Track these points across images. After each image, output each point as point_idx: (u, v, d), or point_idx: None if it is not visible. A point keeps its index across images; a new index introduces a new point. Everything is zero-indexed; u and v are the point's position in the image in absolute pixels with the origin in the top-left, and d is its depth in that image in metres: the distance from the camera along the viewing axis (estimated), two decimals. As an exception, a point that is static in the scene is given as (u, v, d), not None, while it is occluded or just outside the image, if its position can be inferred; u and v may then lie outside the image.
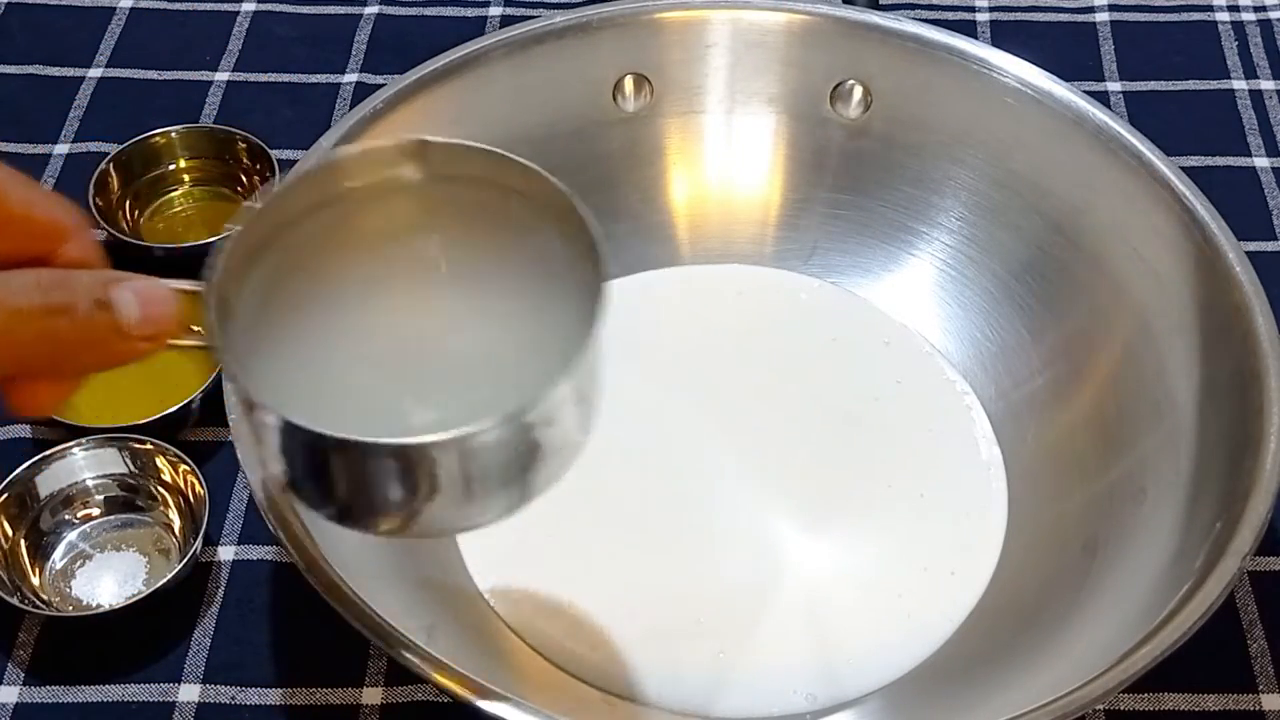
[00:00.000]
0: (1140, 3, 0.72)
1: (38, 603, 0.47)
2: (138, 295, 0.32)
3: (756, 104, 0.57)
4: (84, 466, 0.50)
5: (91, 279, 0.32)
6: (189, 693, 0.46)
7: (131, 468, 0.50)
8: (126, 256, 0.59)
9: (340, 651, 0.46)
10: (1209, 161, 0.64)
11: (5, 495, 0.49)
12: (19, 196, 0.32)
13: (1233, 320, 0.45)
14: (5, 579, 0.47)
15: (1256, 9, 0.72)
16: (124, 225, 0.60)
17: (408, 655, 0.37)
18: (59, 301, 0.31)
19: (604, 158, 0.57)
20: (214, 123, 0.65)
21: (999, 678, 0.45)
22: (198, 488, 0.49)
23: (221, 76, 0.68)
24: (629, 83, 0.56)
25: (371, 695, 0.46)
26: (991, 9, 0.71)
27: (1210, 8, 0.72)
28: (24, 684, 0.47)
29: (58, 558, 0.49)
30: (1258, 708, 0.46)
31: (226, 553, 0.50)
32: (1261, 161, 0.64)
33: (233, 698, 0.46)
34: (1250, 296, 0.45)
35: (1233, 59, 0.69)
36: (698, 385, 0.54)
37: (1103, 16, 0.71)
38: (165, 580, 0.47)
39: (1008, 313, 0.55)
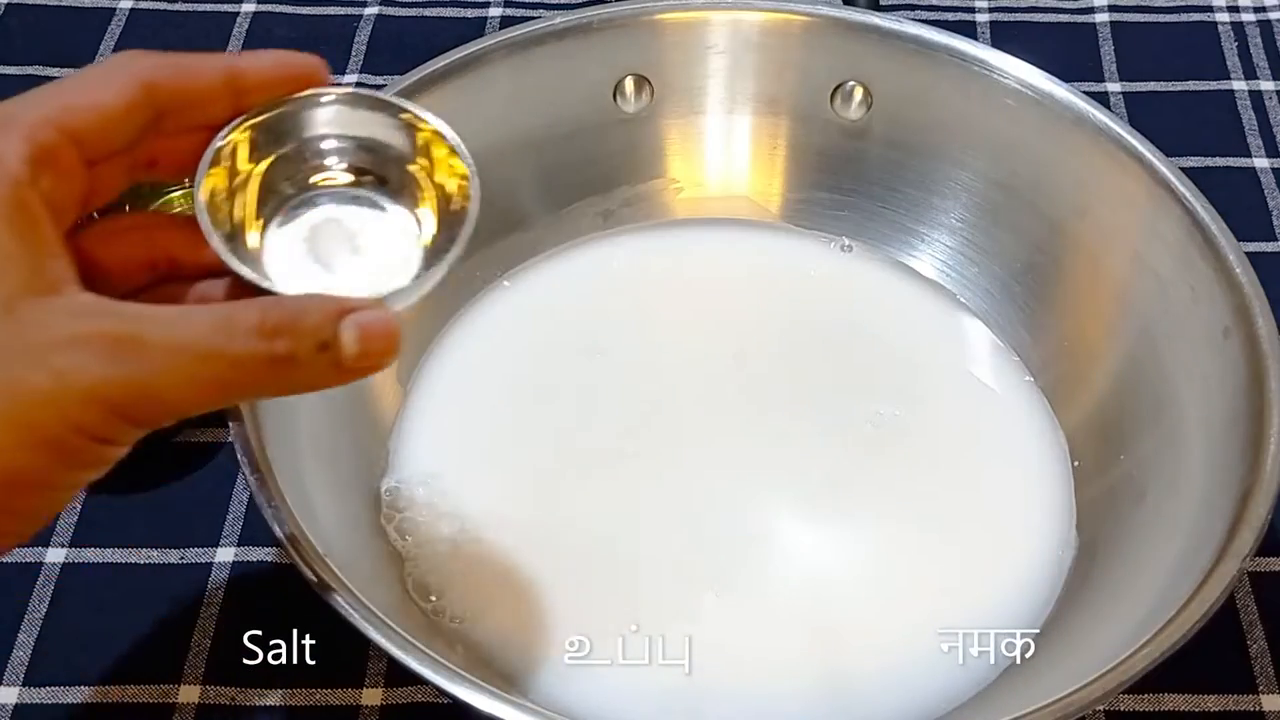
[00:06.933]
0: (1140, 3, 0.72)
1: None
2: (361, 330, 0.31)
3: (757, 105, 0.57)
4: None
5: (320, 317, 0.31)
6: (189, 693, 0.46)
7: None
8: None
9: (340, 652, 0.46)
10: (1209, 162, 0.64)
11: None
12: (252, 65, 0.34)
13: (1233, 321, 0.45)
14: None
15: (1256, 9, 0.72)
16: (124, 226, 0.60)
17: (409, 656, 0.37)
18: (284, 351, 0.30)
19: (604, 158, 0.57)
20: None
21: (998, 678, 0.45)
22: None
23: (221, 77, 0.68)
24: (629, 83, 0.56)
25: (371, 696, 0.46)
26: (991, 10, 0.71)
27: (1210, 8, 0.72)
28: (24, 684, 0.47)
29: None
30: (1258, 708, 0.46)
31: (226, 553, 0.50)
32: (1261, 162, 0.64)
33: (232, 698, 0.46)
34: (1250, 297, 0.45)
35: (1233, 59, 0.69)
36: (679, 372, 0.54)
37: (1102, 17, 0.71)
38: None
39: (1008, 313, 0.55)
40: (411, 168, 0.38)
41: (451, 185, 0.37)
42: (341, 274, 0.35)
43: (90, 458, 0.30)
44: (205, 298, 0.35)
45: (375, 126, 0.38)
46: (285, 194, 0.37)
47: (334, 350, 0.31)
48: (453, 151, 0.37)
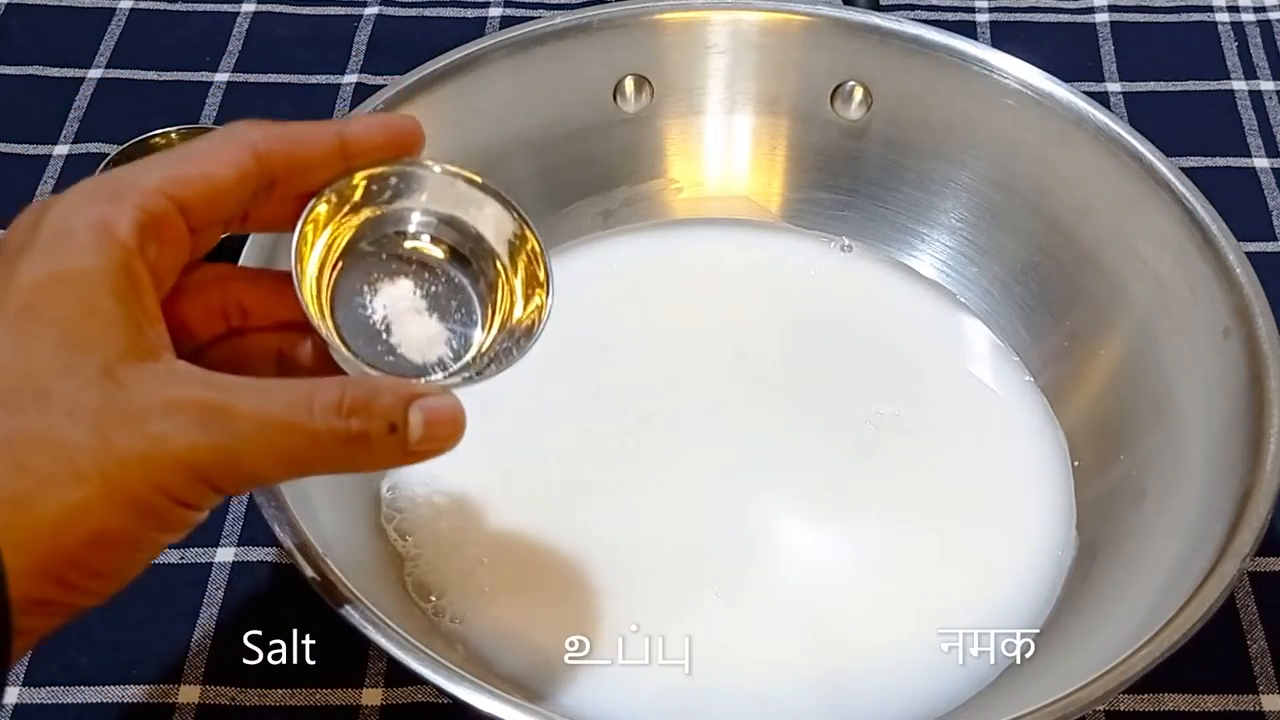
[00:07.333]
0: (1140, 3, 0.72)
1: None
2: (426, 415, 0.33)
3: (756, 105, 0.57)
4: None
5: (392, 399, 0.32)
6: (189, 693, 0.46)
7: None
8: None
9: (340, 652, 0.46)
10: (1209, 162, 0.64)
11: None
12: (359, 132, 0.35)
13: (1233, 321, 0.45)
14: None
15: (1256, 9, 0.72)
16: (124, 226, 0.60)
17: (409, 656, 0.37)
18: (358, 429, 0.32)
19: (604, 158, 0.57)
20: (214, 123, 0.65)
21: (998, 678, 0.45)
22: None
23: (221, 77, 0.68)
24: (629, 83, 0.56)
25: (371, 696, 0.46)
26: (991, 10, 0.72)
27: (1210, 8, 0.72)
28: (24, 684, 0.47)
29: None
30: (1258, 708, 0.46)
31: (226, 553, 0.50)
32: (1261, 162, 0.64)
33: (233, 698, 0.46)
34: (1250, 297, 0.45)
35: (1233, 59, 0.69)
36: (672, 370, 0.54)
37: (1103, 17, 0.71)
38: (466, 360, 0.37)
39: (1008, 313, 0.55)
40: (499, 263, 0.38)
41: (529, 304, 0.38)
42: (404, 342, 0.36)
43: (172, 521, 0.31)
44: (291, 362, 0.37)
45: (474, 210, 0.38)
46: (368, 252, 0.37)
47: (402, 433, 0.32)
48: (545, 276, 0.38)
